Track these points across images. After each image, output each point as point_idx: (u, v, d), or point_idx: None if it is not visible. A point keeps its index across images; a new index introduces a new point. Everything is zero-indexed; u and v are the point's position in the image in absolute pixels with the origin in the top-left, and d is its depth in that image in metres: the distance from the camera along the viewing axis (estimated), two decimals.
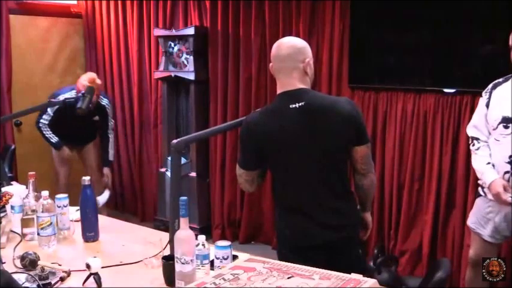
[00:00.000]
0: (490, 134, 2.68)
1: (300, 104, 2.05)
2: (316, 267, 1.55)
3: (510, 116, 2.55)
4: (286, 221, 2.19)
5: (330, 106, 2.08)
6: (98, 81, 4.23)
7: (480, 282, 2.84)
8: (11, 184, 2.87)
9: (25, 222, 2.26)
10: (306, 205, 2.13)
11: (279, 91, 2.13)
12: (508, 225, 2.69)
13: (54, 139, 4.27)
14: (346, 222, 2.17)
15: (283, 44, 2.14)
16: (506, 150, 2.56)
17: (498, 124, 2.60)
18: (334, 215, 2.13)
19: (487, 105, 2.69)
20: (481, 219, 2.81)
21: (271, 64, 2.16)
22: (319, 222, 2.11)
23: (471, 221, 2.89)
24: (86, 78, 4.10)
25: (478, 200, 2.85)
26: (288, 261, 1.62)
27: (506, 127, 2.56)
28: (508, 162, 2.55)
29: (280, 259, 1.95)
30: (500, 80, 2.69)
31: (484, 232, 2.79)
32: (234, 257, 1.92)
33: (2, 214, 2.40)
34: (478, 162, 2.72)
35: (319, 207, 2.12)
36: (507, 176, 2.57)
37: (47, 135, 4.25)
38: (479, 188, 2.82)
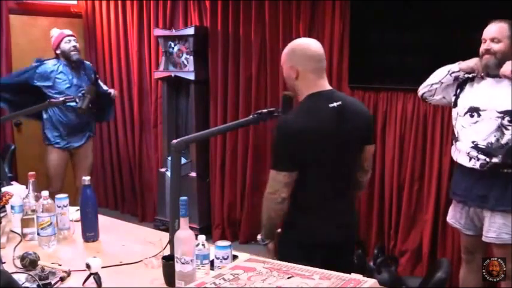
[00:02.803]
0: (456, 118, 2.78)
1: (338, 104, 2.10)
2: (333, 266, 1.58)
3: (476, 106, 2.66)
4: (309, 220, 2.16)
5: (357, 106, 2.21)
6: (68, 32, 4.23)
7: (469, 279, 2.87)
8: (11, 184, 2.87)
9: (25, 222, 2.27)
10: (332, 203, 2.17)
11: (309, 91, 2.11)
12: (478, 214, 2.74)
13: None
14: (356, 221, 2.38)
15: (314, 44, 2.15)
16: (470, 138, 2.67)
17: (465, 113, 2.71)
18: (351, 213, 2.27)
19: (460, 87, 2.79)
20: (456, 212, 2.86)
21: (291, 65, 2.12)
22: (341, 221, 2.19)
23: (449, 216, 2.94)
24: (56, 35, 4.17)
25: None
26: (302, 262, 1.62)
27: (471, 116, 2.68)
28: (472, 147, 2.66)
29: (291, 260, 1.93)
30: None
31: (461, 226, 2.84)
32: (234, 257, 1.92)
33: (2, 214, 2.40)
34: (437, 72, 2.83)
35: (342, 205, 2.21)
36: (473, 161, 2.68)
37: None
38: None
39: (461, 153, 2.73)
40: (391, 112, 3.76)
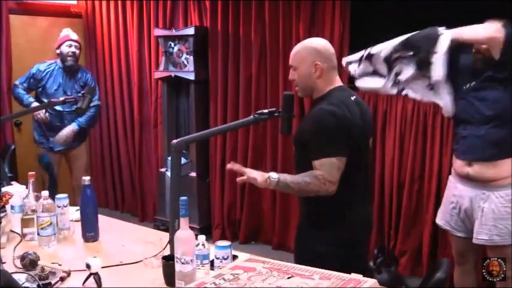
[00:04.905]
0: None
1: (354, 97, 2.19)
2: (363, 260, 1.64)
3: None
4: (353, 216, 2.17)
5: (362, 100, 2.30)
6: (74, 36, 4.28)
7: (463, 280, 2.86)
8: (11, 184, 2.87)
9: (25, 222, 2.27)
10: (366, 197, 2.28)
11: (332, 86, 2.18)
12: (469, 216, 2.70)
13: (26, 101, 4.13)
14: None
15: (329, 43, 2.24)
16: None
17: None
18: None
19: None
20: (446, 213, 2.82)
21: (315, 63, 2.15)
22: (372, 215, 2.44)
23: (438, 217, 2.90)
24: (63, 35, 4.24)
25: (445, 194, 2.87)
26: (343, 261, 1.73)
27: None
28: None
29: (333, 261, 1.92)
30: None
31: (451, 227, 2.81)
32: (234, 257, 1.92)
33: (2, 214, 2.40)
34: None
35: (370, 198, 2.44)
36: None
37: (21, 96, 4.16)
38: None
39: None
40: (391, 112, 3.76)
